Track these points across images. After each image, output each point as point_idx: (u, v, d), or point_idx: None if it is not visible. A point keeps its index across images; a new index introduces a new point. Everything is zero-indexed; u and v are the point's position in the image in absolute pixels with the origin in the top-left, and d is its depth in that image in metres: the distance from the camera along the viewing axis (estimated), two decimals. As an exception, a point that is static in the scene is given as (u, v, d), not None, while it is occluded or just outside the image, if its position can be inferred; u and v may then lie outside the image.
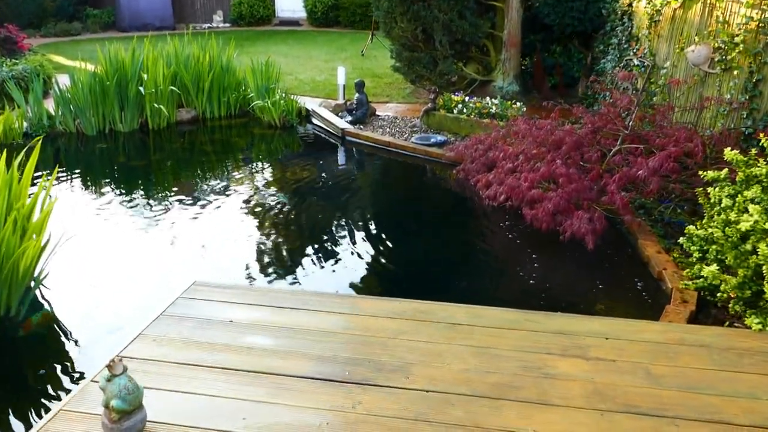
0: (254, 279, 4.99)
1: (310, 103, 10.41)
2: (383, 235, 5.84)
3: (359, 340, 3.25)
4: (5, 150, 4.83)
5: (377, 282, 5.04)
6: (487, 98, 8.67)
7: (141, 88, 9.01)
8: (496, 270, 5.28)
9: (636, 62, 7.52)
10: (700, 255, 4.12)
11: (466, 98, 8.78)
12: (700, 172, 4.31)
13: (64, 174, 7.56)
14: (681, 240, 4.34)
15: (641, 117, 6.37)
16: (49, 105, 9.17)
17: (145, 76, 9.06)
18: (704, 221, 4.19)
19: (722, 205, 3.90)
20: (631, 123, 6.14)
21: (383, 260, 5.39)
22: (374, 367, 3.01)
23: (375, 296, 3.69)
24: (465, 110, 8.67)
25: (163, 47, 9.71)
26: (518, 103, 8.51)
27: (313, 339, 3.27)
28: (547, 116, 8.03)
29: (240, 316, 3.50)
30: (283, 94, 9.99)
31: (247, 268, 5.15)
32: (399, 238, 5.93)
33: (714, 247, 3.92)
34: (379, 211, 6.42)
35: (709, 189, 4.15)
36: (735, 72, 6.30)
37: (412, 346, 3.20)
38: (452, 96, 8.90)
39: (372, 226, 6.02)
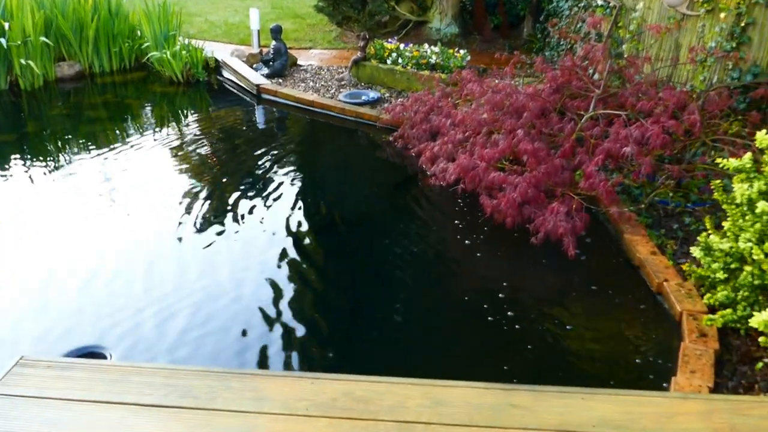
0: (139, 311, 3.74)
1: (220, 51, 8.89)
2: (301, 230, 4.68)
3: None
4: None
5: (291, 302, 3.81)
6: (426, 45, 7.41)
7: (3, 40, 7.31)
8: (444, 284, 4.11)
9: (599, 2, 6.41)
10: (726, 275, 3.13)
11: (402, 46, 7.50)
12: (719, 160, 3.29)
13: None
14: (695, 252, 3.32)
15: (613, 71, 5.31)
16: None
17: (7, 24, 7.35)
18: (726, 226, 3.18)
19: (758, 211, 2.90)
20: (602, 80, 5.08)
21: (298, 270, 4.19)
22: None
23: (287, 373, 2.54)
24: (400, 60, 7.41)
25: (31, -13, 7.97)
26: (461, 51, 7.30)
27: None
28: (493, 64, 6.91)
29: None
30: (187, 42, 8.43)
31: (127, 297, 3.92)
32: (322, 234, 4.76)
33: (749, 268, 2.93)
34: (298, 197, 5.20)
35: (735, 184, 3.13)
36: (721, 14, 5.28)
37: (348, 474, 2.10)
38: (385, 43, 7.60)
39: (291, 220, 4.82)
